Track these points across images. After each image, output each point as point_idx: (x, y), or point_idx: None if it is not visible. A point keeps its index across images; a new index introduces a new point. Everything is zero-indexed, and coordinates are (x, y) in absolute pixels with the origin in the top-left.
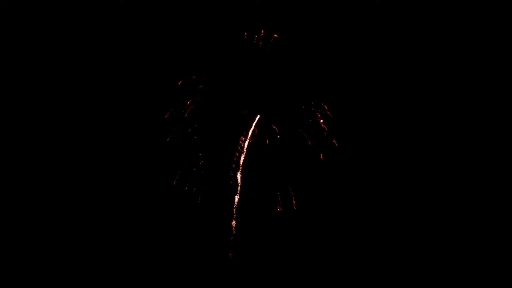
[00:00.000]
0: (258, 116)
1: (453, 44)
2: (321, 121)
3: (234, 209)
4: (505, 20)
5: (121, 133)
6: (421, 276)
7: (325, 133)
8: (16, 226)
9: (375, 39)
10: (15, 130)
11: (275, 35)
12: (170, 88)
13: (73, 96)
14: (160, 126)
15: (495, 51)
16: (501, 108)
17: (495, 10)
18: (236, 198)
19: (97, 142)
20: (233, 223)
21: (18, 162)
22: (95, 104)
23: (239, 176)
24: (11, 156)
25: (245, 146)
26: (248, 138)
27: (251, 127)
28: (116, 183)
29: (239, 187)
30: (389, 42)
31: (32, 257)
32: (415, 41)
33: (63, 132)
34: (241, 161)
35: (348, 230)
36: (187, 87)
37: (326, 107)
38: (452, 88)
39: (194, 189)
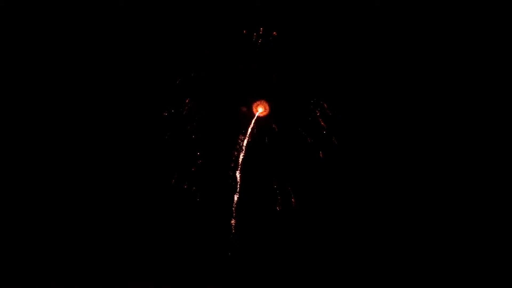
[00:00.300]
0: (257, 114)
1: (453, 44)
2: (320, 119)
3: (233, 208)
4: (505, 20)
5: (119, 132)
6: (421, 276)
7: (324, 131)
8: (16, 226)
9: (374, 38)
10: (14, 129)
11: (274, 33)
12: (169, 86)
13: (71, 94)
14: (158, 125)
15: (496, 52)
16: (502, 108)
17: (496, 10)
18: (236, 197)
19: (94, 140)
20: (232, 221)
21: (17, 161)
22: (94, 103)
23: (238, 174)
24: (10, 155)
25: (244, 144)
26: (247, 136)
27: (250, 125)
28: (113, 182)
29: (238, 186)
30: (388, 42)
31: (32, 256)
32: (415, 41)
33: (60, 130)
34: (240, 160)
35: (348, 228)
36: (186, 85)
37: (325, 106)
38: (452, 88)
39: (193, 188)
